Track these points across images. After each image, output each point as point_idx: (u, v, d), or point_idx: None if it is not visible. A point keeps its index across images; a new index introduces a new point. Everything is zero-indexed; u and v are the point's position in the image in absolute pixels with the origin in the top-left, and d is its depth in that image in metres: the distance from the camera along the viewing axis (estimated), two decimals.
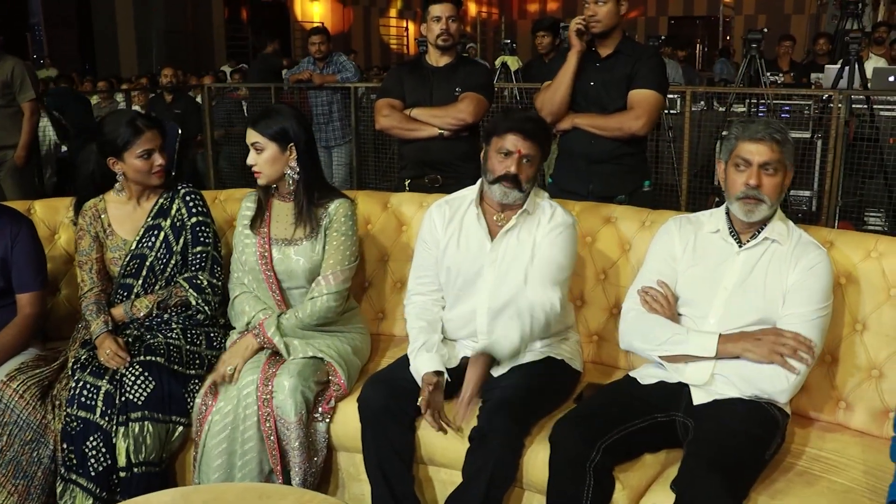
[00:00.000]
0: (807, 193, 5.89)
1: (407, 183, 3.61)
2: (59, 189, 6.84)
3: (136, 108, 8.27)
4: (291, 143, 2.62)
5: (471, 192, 2.58)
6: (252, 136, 2.62)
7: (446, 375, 2.41)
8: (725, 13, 13.77)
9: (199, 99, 8.04)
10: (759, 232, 2.27)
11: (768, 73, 7.01)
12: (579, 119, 3.33)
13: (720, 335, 2.19)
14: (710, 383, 2.20)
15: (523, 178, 2.42)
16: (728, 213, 2.34)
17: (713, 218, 2.38)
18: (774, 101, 5.68)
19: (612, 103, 3.29)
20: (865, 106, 5.19)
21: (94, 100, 9.09)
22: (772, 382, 2.13)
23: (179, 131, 6.62)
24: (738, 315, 2.23)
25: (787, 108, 6.06)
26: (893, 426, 2.01)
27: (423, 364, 2.41)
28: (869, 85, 5.61)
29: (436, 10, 3.47)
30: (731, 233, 2.31)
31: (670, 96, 5.88)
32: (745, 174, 2.22)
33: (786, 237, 2.26)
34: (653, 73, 3.28)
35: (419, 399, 2.35)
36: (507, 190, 2.42)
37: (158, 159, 2.70)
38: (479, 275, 2.49)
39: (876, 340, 2.34)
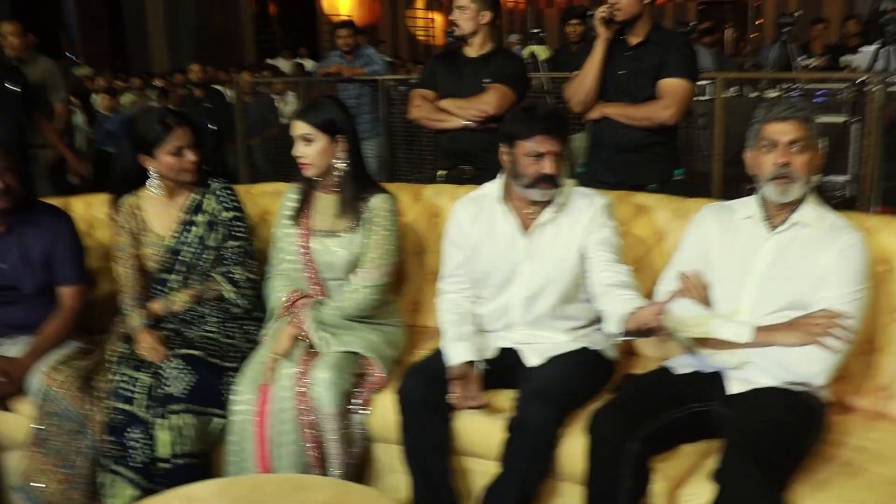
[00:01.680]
0: (842, 179, 5.80)
1: (443, 174, 3.63)
2: (96, 185, 6.93)
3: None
4: (339, 135, 2.64)
5: (493, 187, 2.57)
6: (301, 127, 2.63)
7: (482, 365, 2.42)
8: None
9: (229, 93, 8.12)
10: (790, 216, 2.25)
11: (801, 57, 6.92)
12: (609, 108, 3.30)
13: (756, 326, 2.17)
14: (743, 369, 2.18)
15: (558, 174, 2.41)
16: (761, 199, 2.31)
17: (746, 205, 2.36)
18: (807, 86, 5.59)
19: (642, 92, 3.26)
20: None
21: (128, 97, 9.21)
22: (806, 365, 2.11)
23: (211, 127, 6.71)
24: (770, 300, 2.21)
25: (820, 92, 5.97)
26: None
27: (454, 354, 2.42)
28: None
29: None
30: (763, 218, 2.29)
31: (701, 83, 5.80)
32: (773, 154, 2.20)
33: (818, 220, 2.23)
34: (683, 62, 3.25)
35: (450, 396, 2.35)
36: (545, 190, 2.42)
37: (190, 156, 2.73)
38: (513, 270, 2.50)
39: None
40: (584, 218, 2.46)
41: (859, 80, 5.12)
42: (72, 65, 12.64)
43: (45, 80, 5.31)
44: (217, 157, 7.14)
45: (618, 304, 2.26)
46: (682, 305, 2.30)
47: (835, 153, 5.51)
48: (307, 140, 2.63)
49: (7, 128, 4.53)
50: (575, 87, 3.37)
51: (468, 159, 3.51)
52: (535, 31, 5.98)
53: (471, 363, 2.41)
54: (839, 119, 5.50)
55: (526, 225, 2.50)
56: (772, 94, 5.95)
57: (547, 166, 2.38)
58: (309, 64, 11.49)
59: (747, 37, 10.67)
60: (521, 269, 2.49)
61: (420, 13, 18.91)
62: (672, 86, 3.22)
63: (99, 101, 7.98)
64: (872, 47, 5.62)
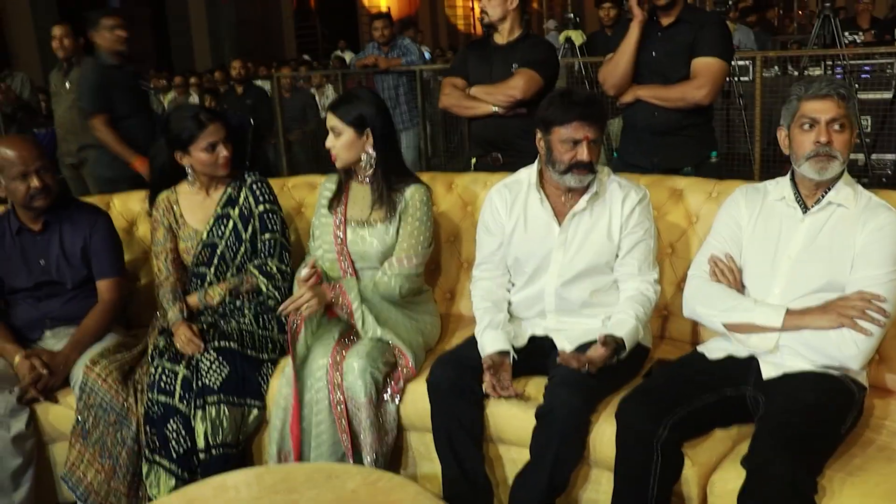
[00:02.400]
0: (891, 157, 5.65)
1: (473, 162, 3.63)
2: (139, 182, 7.07)
3: (207, 98, 8.48)
4: (368, 129, 2.65)
5: (528, 173, 2.57)
6: (331, 119, 2.67)
7: (513, 354, 2.42)
8: None
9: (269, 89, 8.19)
10: (824, 196, 2.20)
11: (846, 33, 6.74)
12: (642, 91, 3.27)
13: (787, 309, 2.13)
14: (777, 353, 2.15)
15: (594, 160, 2.40)
16: (793, 179, 2.27)
17: (779, 186, 2.32)
18: (852, 62, 5.45)
19: (676, 73, 3.22)
20: None
21: (171, 95, 9.36)
22: (840, 348, 2.06)
23: (252, 122, 6.78)
24: (804, 282, 2.17)
25: (867, 68, 5.81)
26: None
27: (488, 343, 2.42)
28: None
29: None
30: (796, 199, 2.24)
31: (741, 63, 5.70)
32: (813, 133, 2.14)
33: (853, 200, 2.17)
34: (716, 41, 3.19)
35: (483, 384, 2.36)
36: (581, 177, 2.40)
37: (223, 151, 2.78)
38: (548, 258, 2.49)
39: None
40: (620, 211, 2.44)
41: None
42: None
43: None
44: (258, 153, 7.21)
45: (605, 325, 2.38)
46: (714, 290, 2.27)
47: (881, 131, 5.38)
48: (336, 132, 2.65)
49: (143, 130, 4.42)
50: (609, 69, 3.33)
51: (498, 146, 3.50)
52: (570, 16, 5.92)
53: (504, 353, 2.41)
54: (887, 95, 5.36)
55: (561, 213, 2.49)
56: (816, 72, 5.81)
57: (583, 153, 2.36)
58: (349, 57, 11.54)
59: (793, 15, 10.41)
60: (555, 256, 2.48)
61: (459, 2, 18.87)
62: (705, 65, 3.17)
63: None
64: None
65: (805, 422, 1.96)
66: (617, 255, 2.47)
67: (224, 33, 14.54)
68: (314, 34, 16.61)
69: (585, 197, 2.45)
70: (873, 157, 5.43)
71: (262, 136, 7.30)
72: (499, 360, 2.38)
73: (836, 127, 2.14)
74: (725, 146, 5.27)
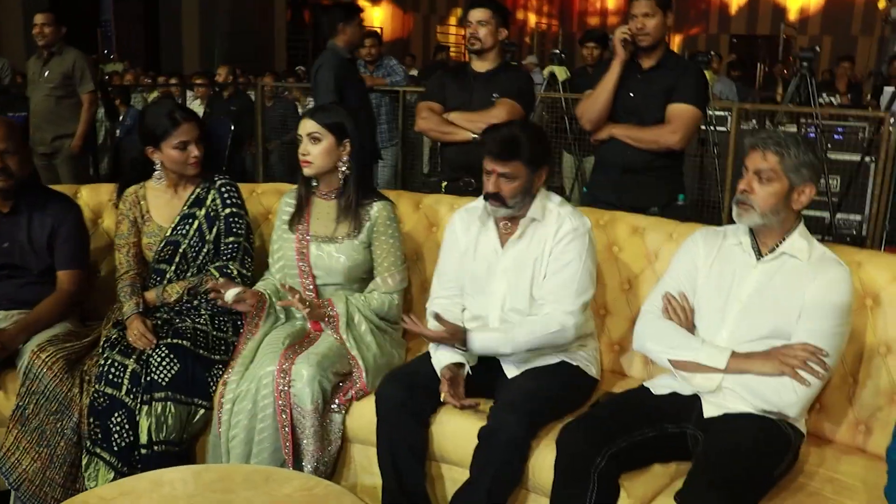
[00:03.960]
0: (858, 217, 5.76)
1: (443, 185, 3.66)
2: (113, 177, 7.05)
3: (196, 102, 8.47)
4: (347, 139, 2.70)
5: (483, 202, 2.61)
6: (309, 125, 2.69)
7: (467, 369, 2.45)
8: (788, 33, 13.51)
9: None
10: (779, 245, 2.25)
11: (825, 94, 6.90)
12: (616, 129, 3.32)
13: (732, 352, 2.18)
14: (719, 394, 2.18)
15: (506, 194, 2.44)
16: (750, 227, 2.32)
17: (738, 231, 2.37)
18: (827, 122, 5.56)
19: (651, 115, 3.28)
20: None
21: (154, 94, 9.34)
22: (779, 395, 2.10)
23: (232, 128, 6.79)
24: (751, 327, 2.21)
25: (840, 129, 5.94)
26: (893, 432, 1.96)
27: (443, 356, 2.44)
28: None
29: (470, 14, 3.54)
30: (752, 245, 2.29)
31: (719, 113, 5.81)
32: (744, 180, 2.23)
33: (806, 252, 2.22)
34: (693, 88, 3.27)
35: (441, 395, 2.38)
36: (494, 208, 2.48)
37: (194, 150, 2.80)
38: (490, 283, 2.53)
39: None
40: (553, 238, 2.48)
41: (875, 119, 5.09)
42: (105, 60, 12.86)
43: (73, 72, 5.42)
44: (235, 159, 7.22)
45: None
46: (664, 327, 2.31)
47: (850, 192, 5.49)
48: (315, 139, 2.68)
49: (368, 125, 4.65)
50: (587, 105, 3.39)
51: (472, 171, 3.54)
52: (556, 51, 6.01)
53: (459, 365, 2.43)
54: (855, 157, 5.48)
55: (504, 239, 2.54)
56: (791, 128, 5.93)
57: (491, 185, 2.45)
58: None
59: (776, 71, 10.65)
60: (495, 283, 2.52)
61: (452, 29, 19.04)
62: (681, 111, 3.24)
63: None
64: (893, 88, 5.60)
65: (739, 463, 1.99)
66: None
67: (217, 40, 14.55)
68: (307, 48, 16.65)
69: (521, 224, 2.50)
70: (839, 216, 5.53)
71: (241, 142, 7.32)
72: (454, 373, 2.41)
73: (761, 179, 2.19)
74: (697, 192, 5.35)
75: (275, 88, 8.07)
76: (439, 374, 2.43)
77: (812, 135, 5.43)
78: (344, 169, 2.73)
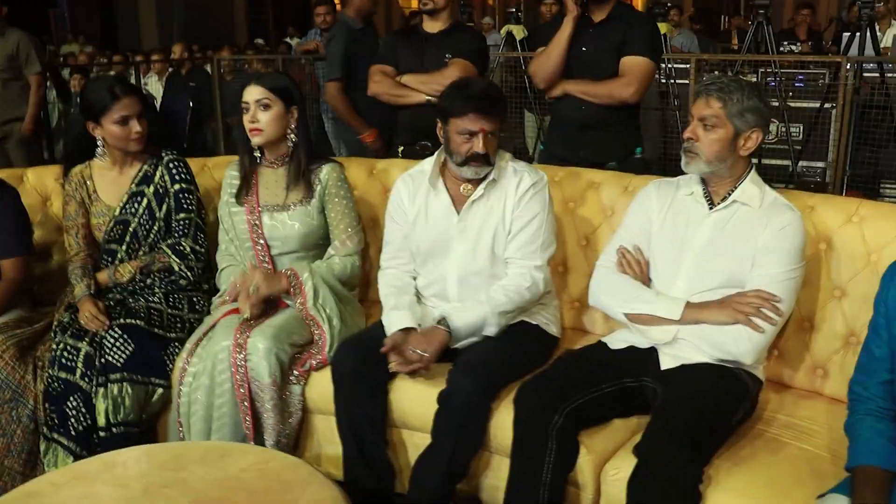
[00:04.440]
0: (821, 164, 5.78)
1: (400, 150, 3.61)
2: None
3: (153, 79, 8.32)
4: (295, 105, 2.68)
5: (430, 164, 2.55)
6: (257, 92, 2.64)
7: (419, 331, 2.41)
8: None
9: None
10: (731, 194, 2.23)
11: (785, 42, 6.88)
12: (570, 85, 3.28)
13: (687, 302, 2.17)
14: (675, 345, 2.17)
15: (491, 152, 2.40)
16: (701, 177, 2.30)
17: (690, 181, 2.34)
18: (787, 70, 5.56)
19: (604, 70, 3.24)
20: (878, 74, 5.06)
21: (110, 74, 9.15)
22: (734, 343, 2.10)
23: (191, 104, 6.67)
24: (706, 277, 2.20)
25: (801, 77, 5.94)
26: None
27: (394, 322, 2.41)
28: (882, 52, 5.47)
29: None
30: (704, 195, 2.28)
31: (679, 66, 5.78)
32: (689, 128, 2.21)
33: (758, 200, 2.21)
34: (645, 40, 3.22)
35: (389, 365, 2.35)
36: (477, 168, 2.41)
37: (136, 126, 2.72)
38: (448, 246, 2.48)
39: (854, 307, 2.28)
40: (514, 195, 2.44)
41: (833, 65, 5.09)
42: (62, 42, 12.60)
43: (17, 53, 5.28)
44: (197, 135, 7.11)
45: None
46: (619, 281, 2.29)
47: (812, 139, 5.50)
48: (264, 105, 2.63)
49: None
50: (540, 63, 3.34)
51: (428, 134, 3.48)
52: (512, 10, 5.94)
53: (409, 329, 2.39)
54: (815, 104, 5.49)
55: (459, 202, 2.49)
56: (752, 78, 5.92)
57: (479, 145, 2.36)
58: (296, 43, 11.43)
59: (738, 22, 10.65)
60: (454, 246, 2.47)
61: None
62: (634, 63, 3.19)
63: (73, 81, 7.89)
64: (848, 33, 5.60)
65: (697, 412, 1.99)
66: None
67: (174, 16, 14.27)
68: (267, 20, 16.41)
69: (482, 185, 2.45)
70: (802, 164, 5.55)
71: (201, 118, 7.20)
72: (402, 338, 2.36)
73: (705, 126, 2.17)
74: (661, 146, 5.33)
75: (233, 62, 7.92)
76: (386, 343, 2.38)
77: (773, 83, 5.43)
78: (292, 136, 2.69)
